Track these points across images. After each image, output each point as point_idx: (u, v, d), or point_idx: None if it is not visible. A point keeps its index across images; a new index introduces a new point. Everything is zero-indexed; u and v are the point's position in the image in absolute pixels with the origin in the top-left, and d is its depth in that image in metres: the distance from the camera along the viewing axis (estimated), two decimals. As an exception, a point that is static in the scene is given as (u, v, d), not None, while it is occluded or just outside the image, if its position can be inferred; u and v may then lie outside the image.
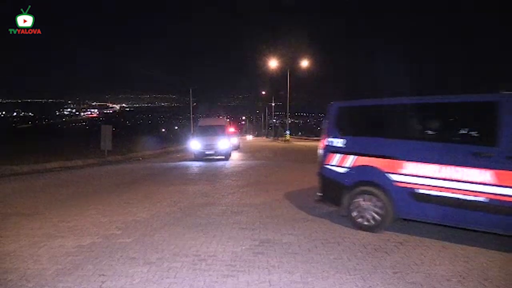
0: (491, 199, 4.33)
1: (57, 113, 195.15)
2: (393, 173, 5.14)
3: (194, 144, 20.01)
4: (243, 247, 4.70)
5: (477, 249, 4.62)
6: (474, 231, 4.76)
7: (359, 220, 5.48)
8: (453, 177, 4.60)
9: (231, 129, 27.46)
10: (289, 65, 45.01)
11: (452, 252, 4.52)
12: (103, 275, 3.81)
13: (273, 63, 44.34)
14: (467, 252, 4.52)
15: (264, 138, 77.64)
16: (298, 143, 49.12)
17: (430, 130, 5.27)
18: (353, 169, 5.62)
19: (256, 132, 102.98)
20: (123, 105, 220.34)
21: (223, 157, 19.93)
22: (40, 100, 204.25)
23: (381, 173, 5.26)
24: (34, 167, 13.60)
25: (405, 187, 5.02)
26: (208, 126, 21.17)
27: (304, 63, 44.30)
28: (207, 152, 19.44)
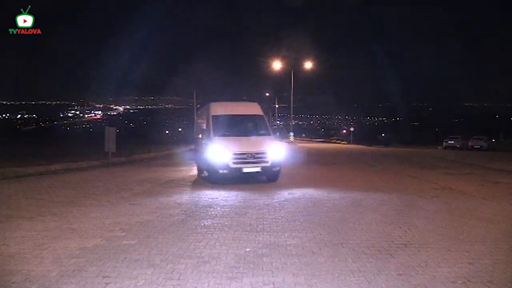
0: None
1: (61, 115, 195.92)
2: None
3: (216, 153, 9.94)
4: (247, 249, 4.70)
5: (482, 252, 4.59)
6: (479, 233, 4.70)
7: None
8: None
9: None
10: (293, 66, 44.95)
11: (456, 254, 4.49)
12: (107, 277, 3.81)
13: (276, 65, 44.25)
14: (471, 254, 4.49)
15: None
16: (302, 144, 49.17)
17: None
18: None
19: None
20: (127, 106, 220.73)
21: (261, 176, 10.64)
22: (44, 102, 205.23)
23: None
24: (37, 169, 13.60)
25: None
26: (235, 117, 11.45)
27: (308, 64, 44.30)
28: (245, 170, 9.99)
